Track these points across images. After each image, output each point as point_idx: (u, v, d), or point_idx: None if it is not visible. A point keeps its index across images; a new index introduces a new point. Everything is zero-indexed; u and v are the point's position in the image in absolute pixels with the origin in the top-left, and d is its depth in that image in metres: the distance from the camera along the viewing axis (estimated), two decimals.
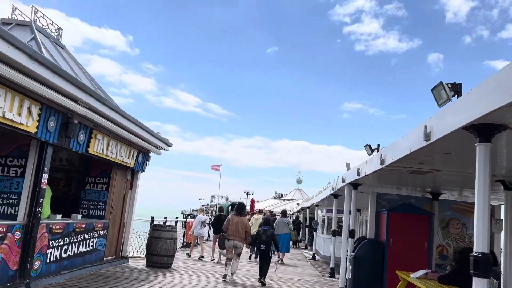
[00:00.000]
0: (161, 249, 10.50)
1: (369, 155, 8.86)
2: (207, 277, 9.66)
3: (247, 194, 45.77)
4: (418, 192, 10.02)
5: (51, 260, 7.60)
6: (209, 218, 13.58)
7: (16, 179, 6.87)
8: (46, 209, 7.94)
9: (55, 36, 10.11)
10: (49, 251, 7.50)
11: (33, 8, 9.36)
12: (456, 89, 4.83)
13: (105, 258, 9.93)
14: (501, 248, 8.09)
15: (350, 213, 10.02)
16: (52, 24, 10.07)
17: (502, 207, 7.54)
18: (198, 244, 13.57)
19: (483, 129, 3.56)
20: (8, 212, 6.75)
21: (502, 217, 7.50)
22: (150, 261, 10.55)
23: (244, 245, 9.79)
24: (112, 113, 8.15)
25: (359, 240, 9.66)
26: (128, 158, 10.11)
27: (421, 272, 6.90)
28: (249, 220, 14.01)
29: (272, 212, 26.65)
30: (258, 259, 10.54)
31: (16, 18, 9.23)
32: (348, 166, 10.71)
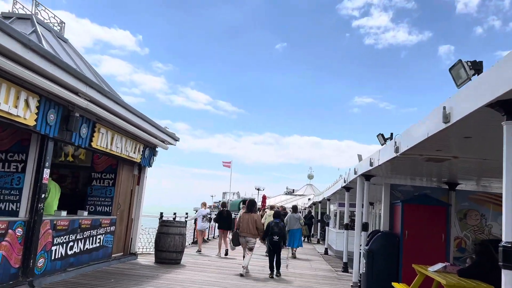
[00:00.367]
0: (169, 245, 10.30)
1: (382, 144, 8.50)
2: (217, 273, 9.43)
3: (258, 190, 45.60)
4: (434, 183, 9.63)
5: (56, 257, 7.43)
6: (211, 211, 13.65)
7: (17, 174, 6.69)
8: (54, 206, 7.77)
9: (58, 30, 9.92)
10: (53, 248, 7.32)
11: (34, 1, 9.16)
12: (477, 67, 4.46)
13: (113, 255, 9.76)
14: None
15: (362, 206, 9.68)
16: (54, 18, 9.88)
17: None
18: (209, 239, 13.54)
19: (511, 105, 3.21)
20: (10, 209, 6.58)
21: None
22: (159, 257, 10.36)
23: (257, 239, 10.06)
24: (115, 106, 7.93)
25: (372, 234, 9.31)
26: (134, 153, 9.90)
27: (439, 266, 6.55)
28: (261, 216, 13.97)
29: (284, 207, 26.42)
30: (267, 253, 10.38)
31: (17, 12, 9.05)
32: (360, 157, 10.37)
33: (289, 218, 15.10)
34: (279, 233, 9.92)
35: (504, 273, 3.16)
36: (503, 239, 3.17)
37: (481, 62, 4.49)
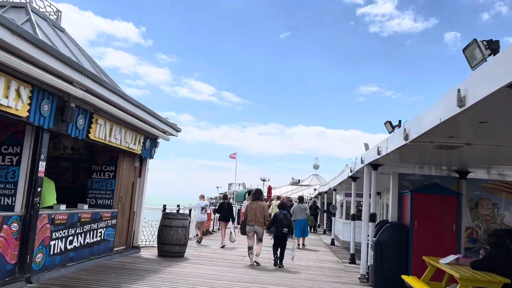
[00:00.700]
0: (172, 238, 10.10)
1: (390, 132, 8.20)
2: (221, 266, 9.23)
3: (264, 180, 45.40)
4: (444, 171, 9.31)
5: (55, 252, 7.24)
6: (210, 203, 13.74)
7: (12, 167, 6.47)
8: (48, 200, 7.57)
9: (54, 19, 9.64)
10: (52, 242, 7.13)
11: None
12: (493, 46, 4.14)
13: (115, 249, 9.58)
14: None
15: (370, 196, 9.39)
16: (50, 7, 9.60)
17: None
18: (215, 231, 13.47)
19: None
20: (5, 203, 6.37)
21: None
22: (162, 250, 10.17)
23: (264, 230, 10.03)
24: (113, 96, 7.66)
25: (380, 225, 9.04)
26: (134, 144, 9.67)
27: (451, 258, 6.28)
28: (268, 206, 13.87)
29: (290, 198, 26.31)
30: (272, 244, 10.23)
31: (11, 0, 8.78)
32: (366, 146, 10.08)
33: (295, 208, 15.21)
34: (288, 225, 9.92)
35: None
36: None
37: (497, 41, 4.17)
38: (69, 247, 7.68)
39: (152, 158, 11.05)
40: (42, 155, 6.50)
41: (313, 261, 11.58)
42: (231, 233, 12.99)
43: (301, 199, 16.10)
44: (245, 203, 24.61)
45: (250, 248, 9.93)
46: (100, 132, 7.97)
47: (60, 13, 9.87)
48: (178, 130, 11.42)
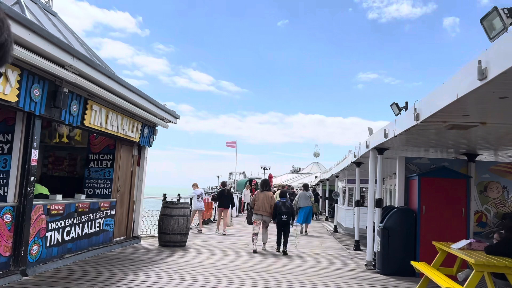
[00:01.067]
0: (173, 227, 9.86)
1: (396, 114, 7.89)
2: (223, 255, 9.00)
3: (264, 169, 45.27)
4: (451, 154, 9.04)
5: (52, 243, 6.99)
6: (204, 191, 13.68)
7: (3, 156, 6.18)
8: (37, 187, 7.27)
9: (45, 3, 9.25)
10: (48, 234, 6.88)
11: None
12: None
13: (114, 239, 9.35)
14: None
15: (375, 182, 9.13)
16: None
17: None
18: (218, 220, 13.45)
19: None
20: None
21: None
22: (163, 240, 9.94)
23: (271, 220, 10.17)
24: (107, 80, 7.34)
25: (386, 210, 8.79)
26: (132, 131, 9.37)
27: (463, 243, 6.03)
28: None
29: (290, 186, 26.25)
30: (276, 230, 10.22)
31: None
32: (370, 130, 9.78)
33: (299, 196, 15.42)
34: (287, 212, 9.98)
35: None
36: None
37: None
38: (66, 238, 7.43)
39: (151, 146, 10.76)
40: (35, 143, 6.20)
41: (317, 248, 11.38)
42: (231, 217, 13.39)
43: (306, 186, 16.21)
44: (245, 191, 24.53)
45: (255, 234, 9.98)
46: (95, 119, 7.66)
47: None
48: (177, 117, 11.11)
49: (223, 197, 13.64)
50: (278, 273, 7.38)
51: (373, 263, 8.53)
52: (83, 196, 8.46)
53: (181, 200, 12.57)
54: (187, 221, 10.19)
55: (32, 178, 6.19)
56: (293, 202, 15.42)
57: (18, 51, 5.12)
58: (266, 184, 10.56)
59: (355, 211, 11.90)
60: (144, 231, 11.68)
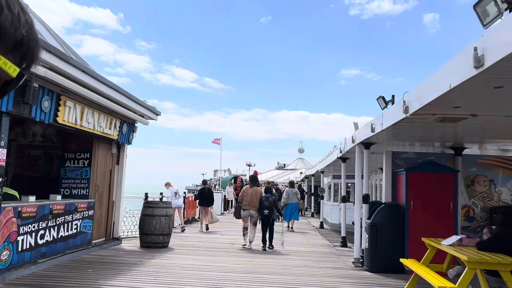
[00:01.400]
0: (155, 228, 9.51)
1: (383, 108, 7.73)
2: (208, 255, 8.71)
3: (249, 165, 44.90)
4: (438, 148, 8.92)
5: (24, 248, 6.59)
6: (178, 189, 13.42)
7: None
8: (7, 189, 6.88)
9: None
10: (20, 238, 6.47)
11: None
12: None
13: (93, 241, 8.96)
14: None
15: (362, 177, 8.95)
16: None
17: None
18: (201, 218, 13.24)
19: None
20: None
21: None
22: (144, 241, 9.59)
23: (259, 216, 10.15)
24: (82, 75, 6.94)
25: (373, 206, 8.62)
26: (110, 129, 8.97)
27: (454, 239, 5.87)
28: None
29: (274, 183, 26.20)
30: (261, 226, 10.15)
31: None
32: (356, 125, 9.60)
33: (287, 193, 15.41)
34: (269, 206, 10.02)
35: None
36: None
37: None
38: (40, 242, 7.03)
39: (131, 143, 10.37)
40: (2, 142, 5.79)
41: (304, 245, 11.17)
42: (211, 214, 13.42)
43: (291, 183, 16.23)
44: (228, 189, 24.24)
45: (245, 229, 10.16)
46: (69, 116, 7.26)
47: None
48: (157, 114, 10.73)
49: (203, 196, 13.75)
50: (265, 273, 7.13)
51: (361, 260, 8.36)
52: (59, 197, 8.06)
53: (163, 200, 12.24)
54: (170, 221, 9.85)
55: (0, 179, 5.78)
56: (282, 199, 15.28)
57: None
58: (256, 180, 10.55)
59: (341, 206, 11.73)
60: (125, 232, 11.30)
